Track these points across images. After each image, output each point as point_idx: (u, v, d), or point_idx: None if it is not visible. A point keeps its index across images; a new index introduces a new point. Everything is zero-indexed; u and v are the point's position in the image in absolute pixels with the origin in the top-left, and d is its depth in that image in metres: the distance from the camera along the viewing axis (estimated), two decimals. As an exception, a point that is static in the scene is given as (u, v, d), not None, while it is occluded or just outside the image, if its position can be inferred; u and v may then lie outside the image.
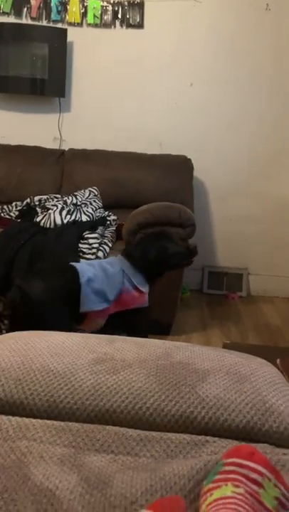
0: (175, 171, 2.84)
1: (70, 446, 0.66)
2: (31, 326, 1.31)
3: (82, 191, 2.71)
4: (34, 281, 1.63)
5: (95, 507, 0.51)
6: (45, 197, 2.68)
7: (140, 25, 2.90)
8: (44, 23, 2.92)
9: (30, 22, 2.93)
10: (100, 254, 2.26)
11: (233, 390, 0.78)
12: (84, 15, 2.91)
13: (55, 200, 2.64)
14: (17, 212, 2.63)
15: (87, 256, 2.19)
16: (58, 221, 2.41)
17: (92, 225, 2.46)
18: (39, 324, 1.38)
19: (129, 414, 0.74)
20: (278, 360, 2.06)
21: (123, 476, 0.59)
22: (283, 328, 2.67)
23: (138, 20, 2.89)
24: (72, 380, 0.78)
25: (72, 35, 2.88)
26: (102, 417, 0.74)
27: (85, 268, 1.67)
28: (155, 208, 2.36)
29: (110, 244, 2.36)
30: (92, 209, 2.58)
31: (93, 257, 2.20)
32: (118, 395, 0.76)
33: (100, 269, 1.70)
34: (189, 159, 2.86)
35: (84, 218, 2.48)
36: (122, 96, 3.00)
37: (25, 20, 2.92)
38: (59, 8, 2.91)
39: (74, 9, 2.91)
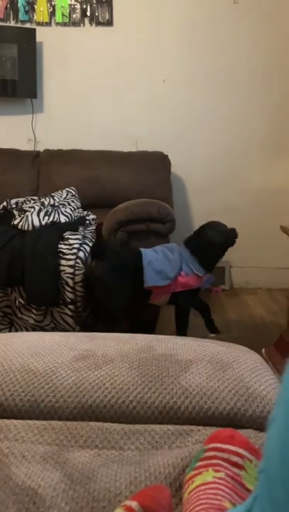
0: (152, 168, 2.84)
1: (52, 444, 0.65)
2: (100, 305, 2.00)
3: (60, 192, 2.68)
4: (99, 262, 1.98)
5: (79, 502, 0.50)
6: (21, 199, 2.64)
7: (110, 23, 2.89)
8: (12, 23, 2.89)
9: (-3, 23, 2.89)
10: (81, 254, 2.23)
11: (216, 378, 0.78)
12: (52, 14, 2.88)
13: (32, 202, 2.60)
14: (-6, 217, 2.59)
15: (68, 256, 2.16)
16: (36, 223, 2.38)
17: (72, 226, 2.43)
18: (104, 298, 1.97)
19: (112, 408, 0.73)
20: (263, 350, 2.08)
21: (107, 470, 0.58)
22: (267, 319, 2.69)
23: (107, 17, 2.87)
24: (53, 378, 0.77)
25: (42, 34, 2.85)
26: (85, 414, 0.73)
27: (147, 252, 2.00)
28: (134, 205, 2.36)
29: (91, 244, 2.34)
30: (71, 209, 2.56)
31: (74, 257, 2.18)
32: (100, 391, 0.75)
33: (161, 253, 2.01)
34: (166, 155, 2.86)
35: (62, 219, 2.45)
36: (95, 94, 2.98)
37: (-8, 21, 2.88)
38: (26, 8, 2.88)
39: (42, 9, 2.88)
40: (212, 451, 0.52)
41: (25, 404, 0.73)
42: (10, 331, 2.17)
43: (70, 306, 2.11)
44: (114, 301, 1.98)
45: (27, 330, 2.15)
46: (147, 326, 2.34)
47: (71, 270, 2.10)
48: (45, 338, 0.93)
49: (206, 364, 0.82)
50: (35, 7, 2.88)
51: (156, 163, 2.86)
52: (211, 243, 2.09)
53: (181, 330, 2.21)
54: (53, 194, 2.65)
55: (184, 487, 0.51)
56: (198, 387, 0.75)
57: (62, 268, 2.10)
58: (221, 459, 0.51)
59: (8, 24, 2.88)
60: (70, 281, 2.09)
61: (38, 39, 2.84)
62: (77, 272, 2.10)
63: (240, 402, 0.73)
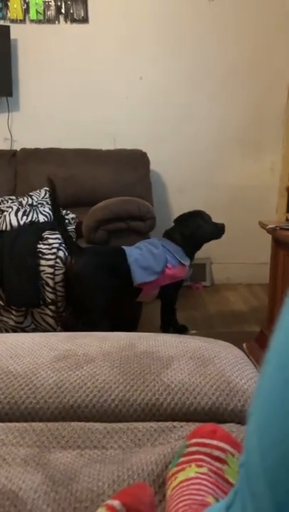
0: (131, 166, 2.83)
1: (34, 446, 0.64)
2: (84, 303, 1.96)
3: (38, 191, 2.65)
4: (79, 259, 1.97)
5: (61, 503, 0.50)
6: (-1, 199, 2.60)
7: (85, 20, 2.86)
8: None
9: None
10: (61, 253, 2.21)
11: (198, 374, 0.78)
12: (26, 11, 2.84)
13: (10, 201, 2.56)
14: (-29, 217, 2.54)
15: (47, 256, 2.14)
16: (14, 223, 2.35)
17: (51, 225, 2.41)
18: (84, 296, 1.95)
19: (94, 408, 0.72)
20: (244, 345, 2.10)
21: (90, 469, 0.57)
22: (247, 314, 2.72)
23: (82, 14, 2.85)
24: (33, 379, 0.76)
25: (16, 32, 2.81)
26: (67, 414, 0.72)
27: (131, 250, 2.00)
28: (113, 204, 2.35)
29: (71, 243, 2.32)
30: (49, 209, 2.53)
31: (53, 256, 2.15)
32: (82, 390, 0.74)
33: (145, 249, 2.02)
34: (144, 153, 2.86)
35: (41, 218, 2.43)
36: (71, 92, 2.95)
37: None
38: (0, 5, 2.83)
39: (15, 6, 2.83)
40: (194, 447, 0.52)
41: (5, 407, 0.72)
42: (-10, 333, 2.14)
43: (51, 307, 2.09)
44: (94, 299, 1.97)
45: (7, 331, 2.12)
46: (129, 324, 2.34)
47: (51, 270, 2.08)
48: (24, 339, 0.92)
49: (188, 360, 0.82)
50: (9, 4, 2.83)
51: (135, 161, 2.86)
52: (203, 233, 2.13)
53: (168, 323, 2.22)
54: (31, 193, 2.62)
55: (167, 483, 0.51)
56: (180, 383, 0.75)
57: (41, 268, 2.07)
58: (203, 454, 0.51)
59: (-20, 21, 2.83)
60: (51, 282, 2.07)
61: (12, 36, 2.79)
62: (57, 272, 2.08)
63: (222, 397, 0.73)
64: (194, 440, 0.53)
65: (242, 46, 2.96)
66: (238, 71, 2.99)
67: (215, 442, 0.52)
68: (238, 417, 0.72)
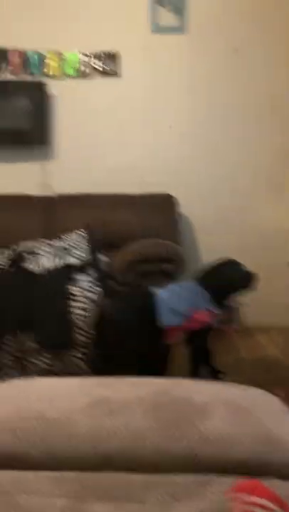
0: (159, 209, 2.88)
1: (70, 497, 0.63)
2: (115, 345, 1.94)
3: (70, 234, 2.72)
4: (115, 303, 2.00)
5: None
6: (33, 243, 2.68)
7: (117, 74, 3.03)
8: (24, 77, 3.04)
9: (10, 78, 3.04)
10: (91, 295, 2.23)
11: (235, 423, 0.76)
12: (62, 68, 3.04)
13: (43, 245, 2.64)
14: (5, 260, 2.62)
15: (79, 298, 2.17)
16: (47, 265, 2.41)
17: (83, 268, 2.45)
18: (117, 339, 1.93)
19: (129, 456, 0.71)
20: (279, 392, 2.02)
21: (128, 524, 0.56)
22: (280, 359, 2.63)
23: (115, 69, 3.02)
24: (68, 426, 0.76)
25: (53, 87, 3.00)
26: (102, 463, 0.71)
27: (160, 292, 1.98)
28: (142, 246, 2.38)
29: (101, 286, 2.35)
30: (81, 251, 2.59)
31: (84, 299, 2.18)
32: (116, 437, 0.74)
33: (174, 292, 2.00)
34: (172, 196, 2.92)
35: (73, 261, 2.48)
36: (103, 140, 3.08)
37: (4, 76, 3.04)
38: (38, 63, 3.04)
39: (52, 63, 3.04)
40: (235, 503, 0.51)
41: (42, 455, 0.71)
42: (21, 376, 2.14)
43: (82, 349, 2.09)
44: (128, 342, 1.96)
45: (38, 374, 2.12)
46: (159, 367, 2.30)
47: (82, 312, 2.09)
48: (59, 383, 0.93)
49: (223, 408, 0.80)
50: (47, 61, 3.04)
51: (163, 205, 2.91)
52: (231, 282, 2.08)
53: (196, 369, 2.16)
54: (63, 237, 2.69)
55: None
56: (216, 433, 0.74)
57: (73, 310, 2.09)
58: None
59: (20, 79, 3.04)
60: (82, 324, 2.08)
61: (50, 91, 2.98)
62: (88, 314, 2.09)
63: (262, 449, 0.71)
64: (235, 496, 0.52)
65: (272, 91, 3.04)
66: (268, 115, 3.06)
67: (256, 499, 0.50)
68: (280, 472, 0.69)
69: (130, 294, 2.12)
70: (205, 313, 2.00)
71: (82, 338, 2.08)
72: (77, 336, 2.07)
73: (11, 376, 2.11)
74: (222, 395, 0.85)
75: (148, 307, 1.96)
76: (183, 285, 2.10)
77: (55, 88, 3.05)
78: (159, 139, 3.12)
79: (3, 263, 2.59)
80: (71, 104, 3.08)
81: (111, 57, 3.06)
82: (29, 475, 0.68)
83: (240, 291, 2.14)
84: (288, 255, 2.82)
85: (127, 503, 0.62)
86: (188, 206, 3.04)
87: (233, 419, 0.76)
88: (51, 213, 2.89)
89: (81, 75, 3.06)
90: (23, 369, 2.16)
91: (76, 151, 3.09)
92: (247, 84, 3.07)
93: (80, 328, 2.08)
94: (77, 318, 2.08)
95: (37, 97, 2.96)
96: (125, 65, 3.08)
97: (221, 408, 0.80)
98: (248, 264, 2.21)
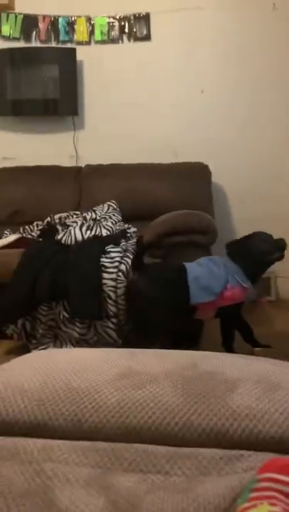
0: (192, 179, 2.81)
1: (96, 467, 0.63)
2: (145, 318, 1.96)
3: (101, 206, 2.71)
4: (145, 277, 1.97)
5: (124, 533, 0.48)
6: (64, 214, 2.69)
7: (147, 38, 2.92)
8: (53, 44, 2.98)
9: (39, 45, 2.99)
10: (123, 267, 2.23)
11: (267, 399, 0.73)
12: (91, 33, 2.95)
13: (75, 216, 2.65)
14: (38, 232, 2.65)
15: (110, 270, 2.17)
16: (79, 237, 2.41)
17: (114, 239, 2.45)
18: (144, 311, 1.95)
19: (157, 430, 0.70)
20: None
21: (153, 497, 0.55)
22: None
23: (145, 32, 2.91)
24: (96, 397, 0.76)
25: (81, 53, 2.93)
26: (129, 435, 0.71)
27: (192, 267, 1.95)
28: (174, 218, 2.34)
29: (132, 257, 2.34)
30: (112, 223, 2.57)
31: (115, 270, 2.18)
32: (145, 411, 0.73)
33: (206, 268, 1.96)
34: (206, 165, 2.83)
35: (104, 232, 2.47)
36: (133, 108, 3.01)
37: (34, 43, 2.98)
38: (67, 29, 2.97)
39: (81, 28, 2.95)
40: (266, 482, 0.49)
41: (69, 424, 0.72)
42: (54, 344, 2.20)
43: (113, 320, 2.11)
44: (153, 314, 1.95)
45: (71, 343, 2.17)
46: (191, 339, 2.30)
47: (113, 283, 2.11)
48: (87, 354, 0.92)
49: (255, 383, 0.78)
50: (75, 27, 2.96)
51: (196, 174, 2.84)
52: (261, 255, 2.01)
53: (228, 344, 2.15)
54: (94, 208, 2.69)
55: None
56: (247, 409, 0.71)
57: (104, 281, 2.10)
58: (276, 491, 0.47)
59: (49, 45, 2.98)
60: (113, 295, 2.10)
61: (78, 58, 2.91)
62: (119, 285, 2.10)
63: (293, 426, 0.68)
64: (266, 475, 0.50)
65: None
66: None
67: (288, 479, 0.48)
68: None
69: (161, 268, 2.10)
70: (237, 289, 1.95)
71: (113, 309, 2.10)
72: (109, 306, 2.09)
73: (45, 345, 2.17)
74: (253, 370, 0.82)
75: (179, 283, 1.92)
76: (214, 260, 2.04)
77: (84, 55, 2.98)
78: (190, 106, 3.01)
79: (36, 235, 2.62)
80: (100, 72, 3.00)
81: (141, 19, 2.95)
82: (56, 444, 0.69)
83: (273, 262, 2.07)
84: None
85: (152, 474, 0.62)
86: (220, 176, 2.95)
87: (264, 395, 0.74)
88: (82, 185, 2.88)
89: (110, 39, 2.97)
90: (56, 338, 2.22)
91: (106, 121, 3.04)
92: (284, 47, 2.89)
93: (111, 299, 2.10)
94: (108, 289, 2.09)
95: (67, 65, 2.91)
96: (155, 28, 2.96)
97: (251, 384, 0.77)
98: (281, 234, 2.14)
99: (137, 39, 2.93)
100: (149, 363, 0.86)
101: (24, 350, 2.14)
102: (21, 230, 2.70)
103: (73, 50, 2.90)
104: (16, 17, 2.93)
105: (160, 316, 1.94)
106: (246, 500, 0.48)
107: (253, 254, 2.00)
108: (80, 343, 2.15)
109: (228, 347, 2.13)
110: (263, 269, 2.08)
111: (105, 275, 2.12)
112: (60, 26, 2.96)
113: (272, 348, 2.18)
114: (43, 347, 2.16)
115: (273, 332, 2.57)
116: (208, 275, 1.94)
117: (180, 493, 0.56)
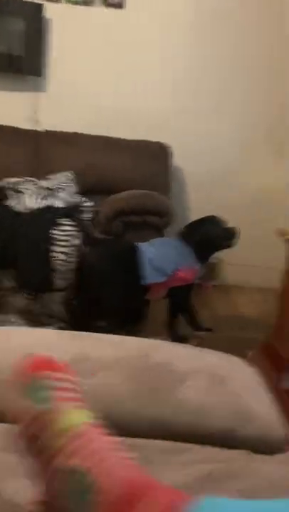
0: (152, 158, 2.79)
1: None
2: (92, 293, 1.94)
3: (57, 175, 2.62)
4: (96, 252, 1.98)
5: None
6: (18, 179, 2.58)
7: (120, 5, 2.80)
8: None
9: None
10: (75, 241, 2.20)
11: (214, 393, 0.76)
12: (62, -11, 2.78)
13: (31, 183, 2.54)
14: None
15: (61, 243, 2.13)
16: (31, 205, 2.33)
17: (67, 212, 2.39)
18: (94, 287, 1.93)
19: (106, 419, 0.71)
20: (249, 353, 2.08)
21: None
22: (255, 319, 2.70)
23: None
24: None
25: (50, 11, 2.75)
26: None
27: (145, 248, 1.97)
28: (132, 197, 2.32)
29: (85, 231, 2.30)
30: (67, 194, 2.51)
31: (67, 243, 2.14)
32: (95, 399, 0.73)
33: (159, 249, 1.99)
34: (167, 146, 2.81)
35: (58, 204, 2.41)
36: (100, 77, 2.90)
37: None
38: (36, -19, 2.77)
39: (52, -17, 2.77)
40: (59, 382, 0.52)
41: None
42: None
43: (60, 294, 2.09)
44: (104, 289, 1.95)
45: (16, 314, 2.12)
46: (136, 318, 2.33)
47: (63, 257, 2.07)
48: (37, 336, 0.91)
49: (203, 377, 0.80)
50: (45, -19, 2.77)
51: (157, 154, 2.82)
52: (213, 239, 2.07)
53: (173, 325, 2.20)
54: (50, 177, 2.60)
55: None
56: (193, 403, 0.74)
57: (54, 254, 2.06)
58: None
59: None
60: (62, 268, 2.07)
61: (46, 16, 2.74)
62: (69, 259, 2.07)
63: (237, 422, 0.72)
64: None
65: (283, 40, 2.88)
66: (275, 69, 2.93)
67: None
68: (252, 445, 0.70)
69: (113, 245, 2.09)
70: (188, 270, 2.00)
71: (62, 282, 2.07)
72: (57, 279, 2.06)
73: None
74: (201, 363, 0.85)
75: (131, 261, 1.93)
76: (167, 241, 2.08)
77: (53, 13, 2.81)
78: (159, 83, 2.96)
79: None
80: (69, 33, 2.85)
81: (117, -16, 2.81)
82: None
83: (222, 248, 2.14)
84: (276, 217, 2.80)
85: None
86: (182, 159, 2.95)
87: (212, 389, 0.77)
88: (39, 150, 2.77)
89: (82, 0, 2.82)
90: (1, 307, 2.16)
91: (70, 86, 2.91)
92: (258, 26, 2.88)
93: (60, 272, 2.07)
94: (57, 262, 2.06)
95: (33, 20, 2.73)
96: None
97: (200, 377, 0.80)
98: (235, 222, 2.19)
99: (110, 5, 2.80)
100: (100, 349, 0.86)
101: None
102: None
103: (40, 5, 2.72)
104: None
105: (111, 291, 1.95)
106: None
107: (205, 236, 2.05)
108: (26, 314, 2.11)
109: (172, 329, 2.19)
110: (212, 252, 2.14)
111: (56, 248, 2.08)
112: (28, -24, 2.76)
113: (212, 332, 2.26)
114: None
115: (215, 316, 2.66)
116: (161, 256, 1.98)
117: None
